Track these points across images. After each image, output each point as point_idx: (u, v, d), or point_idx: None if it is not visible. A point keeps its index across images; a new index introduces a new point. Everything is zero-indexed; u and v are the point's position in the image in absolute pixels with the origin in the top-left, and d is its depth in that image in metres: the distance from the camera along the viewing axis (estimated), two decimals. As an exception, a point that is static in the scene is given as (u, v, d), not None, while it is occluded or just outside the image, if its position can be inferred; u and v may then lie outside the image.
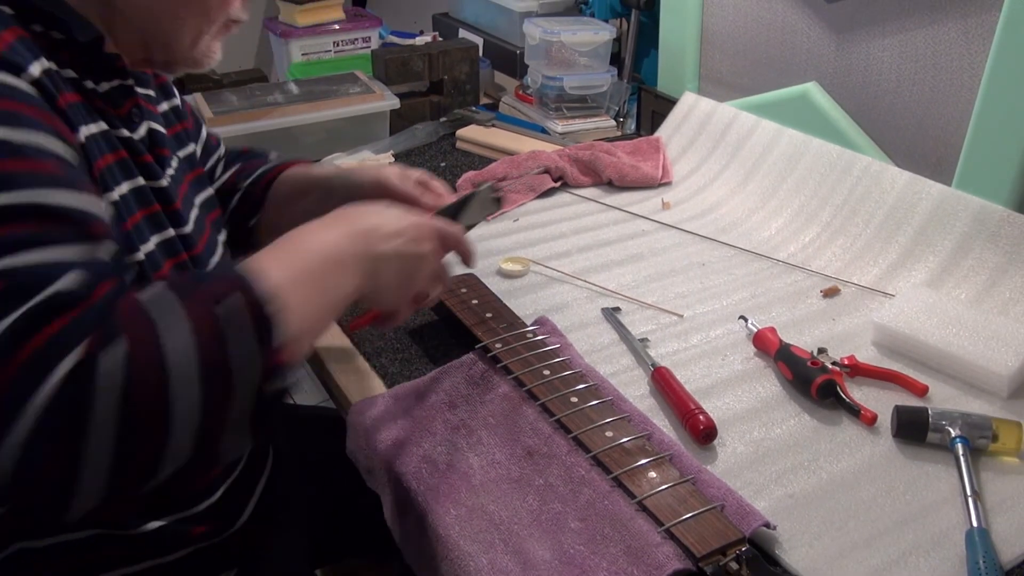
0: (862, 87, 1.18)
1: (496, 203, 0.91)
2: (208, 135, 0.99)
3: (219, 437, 0.53)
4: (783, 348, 0.90)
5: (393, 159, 1.31)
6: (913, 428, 0.79)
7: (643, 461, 0.73)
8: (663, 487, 0.71)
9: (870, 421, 0.82)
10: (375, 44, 1.81)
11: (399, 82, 1.60)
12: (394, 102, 1.51)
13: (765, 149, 1.29)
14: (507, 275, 1.09)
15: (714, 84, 1.43)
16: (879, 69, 1.15)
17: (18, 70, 0.59)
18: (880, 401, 0.86)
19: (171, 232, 0.76)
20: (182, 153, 0.84)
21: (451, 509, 0.72)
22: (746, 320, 0.97)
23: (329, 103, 1.47)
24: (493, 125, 1.57)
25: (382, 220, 0.72)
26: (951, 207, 1.04)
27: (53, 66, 0.64)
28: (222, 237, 0.88)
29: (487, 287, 1.01)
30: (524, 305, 1.02)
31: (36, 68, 0.61)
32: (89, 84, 0.70)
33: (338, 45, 1.81)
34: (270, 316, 0.56)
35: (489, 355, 0.87)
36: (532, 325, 0.92)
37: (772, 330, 0.93)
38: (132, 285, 0.57)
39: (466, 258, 0.83)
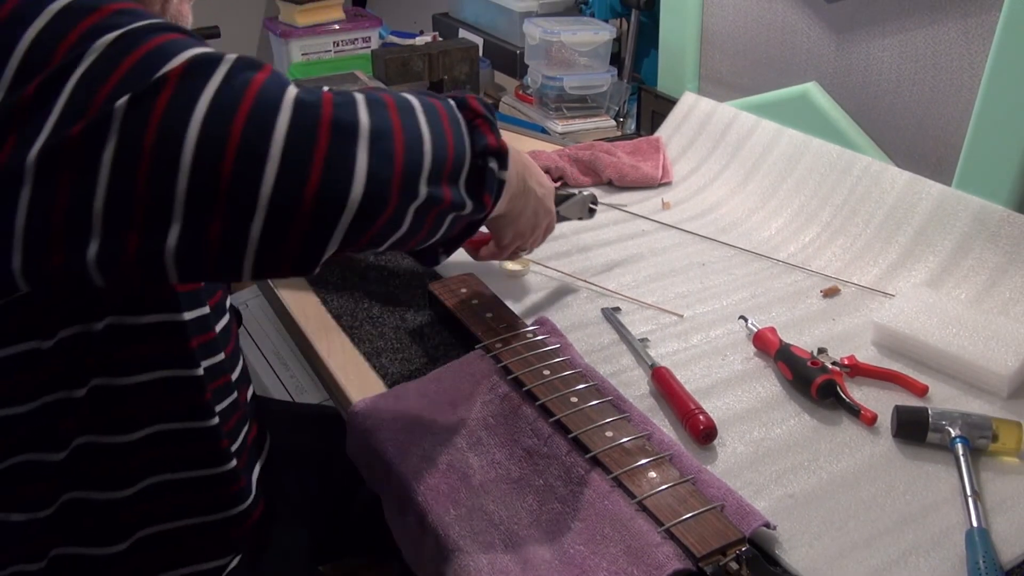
0: (862, 87, 1.18)
1: (590, 212, 1.07)
2: None
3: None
4: (783, 348, 0.90)
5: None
6: (913, 428, 0.79)
7: (643, 461, 0.73)
8: (663, 487, 0.71)
9: (870, 421, 0.82)
10: (375, 44, 1.82)
11: (399, 82, 1.60)
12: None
13: (765, 149, 1.29)
14: (507, 275, 1.09)
15: (714, 84, 1.43)
16: (879, 69, 1.15)
17: None
18: (880, 401, 0.86)
19: None
20: None
21: (451, 509, 0.72)
22: (746, 320, 0.97)
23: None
24: (493, 125, 1.57)
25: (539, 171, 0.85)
26: (951, 207, 1.04)
27: None
28: None
29: (487, 287, 1.01)
30: (524, 305, 1.02)
31: None
32: None
33: (338, 45, 1.81)
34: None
35: (489, 355, 0.87)
36: (532, 325, 0.93)
37: (772, 330, 0.93)
38: None
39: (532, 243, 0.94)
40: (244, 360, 0.89)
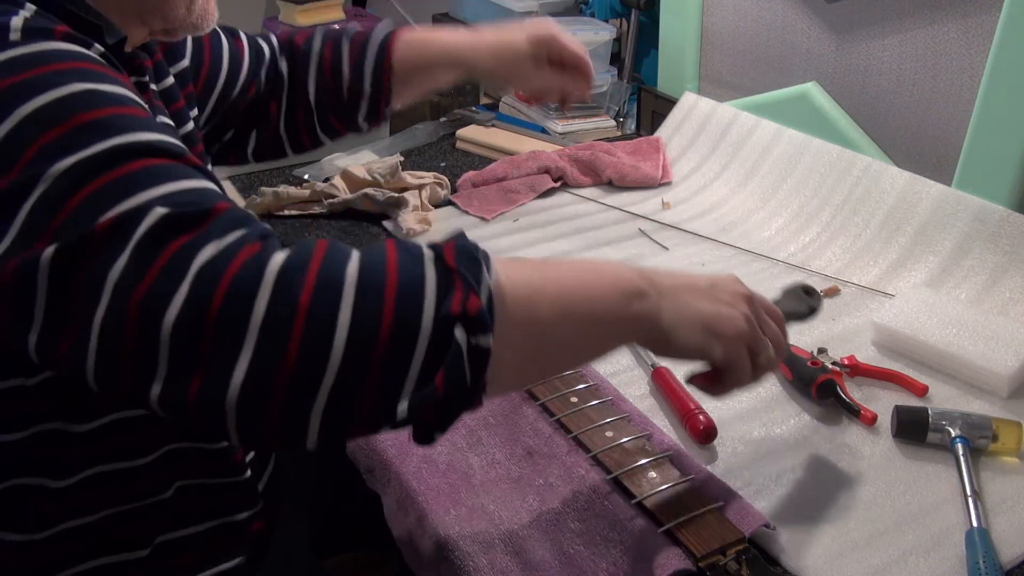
0: (862, 87, 1.18)
1: (809, 308, 0.80)
2: (225, 62, 0.97)
3: (377, 388, 0.50)
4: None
5: (402, 158, 1.31)
6: (913, 428, 0.79)
7: (643, 461, 0.73)
8: (663, 487, 0.71)
9: (870, 421, 0.82)
10: (375, 44, 1.82)
11: (399, 82, 1.60)
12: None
13: (765, 149, 1.29)
14: (507, 275, 1.08)
15: (714, 84, 1.43)
16: (879, 69, 1.15)
17: (86, 44, 0.61)
18: (880, 401, 0.86)
19: None
20: (184, 131, 0.84)
21: (451, 509, 0.72)
22: (746, 320, 0.97)
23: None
24: (493, 125, 1.57)
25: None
26: (951, 207, 1.04)
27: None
28: None
29: (487, 287, 1.00)
30: (524, 305, 1.02)
31: (98, 47, 0.62)
32: None
33: (338, 45, 1.81)
34: (480, 278, 0.53)
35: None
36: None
37: (772, 330, 0.93)
38: None
39: (779, 345, 0.69)
40: None
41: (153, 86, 0.77)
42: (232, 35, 1.00)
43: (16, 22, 0.58)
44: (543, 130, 1.57)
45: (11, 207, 0.52)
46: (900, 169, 1.12)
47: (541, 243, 1.18)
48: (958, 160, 1.05)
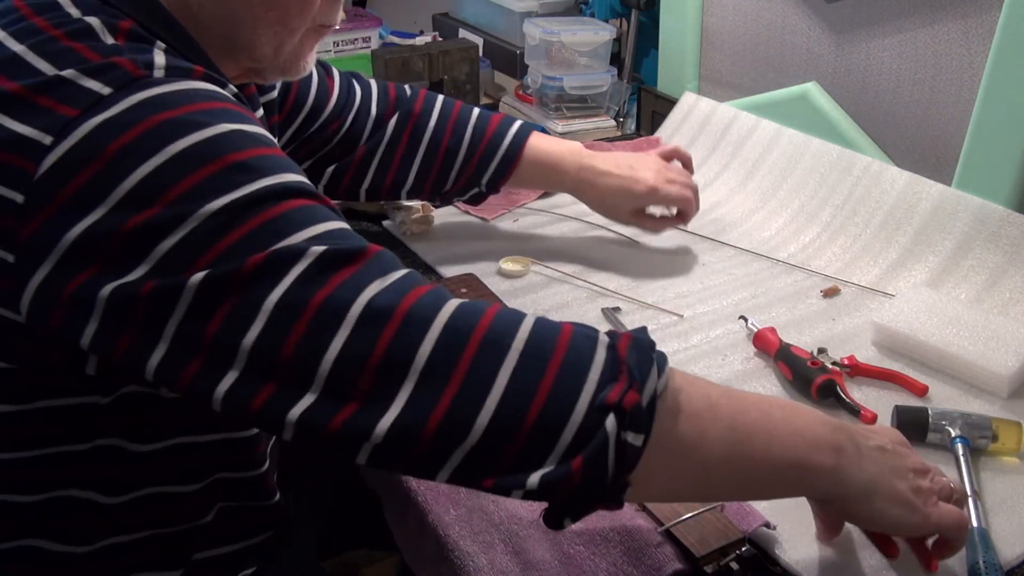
0: (862, 87, 1.18)
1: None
2: (312, 94, 0.99)
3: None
4: (783, 348, 0.90)
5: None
6: (913, 428, 0.79)
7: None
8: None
9: (870, 421, 0.82)
10: (375, 44, 1.81)
11: (399, 82, 1.60)
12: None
13: (765, 149, 1.29)
14: (507, 275, 1.09)
15: (714, 84, 1.43)
16: (879, 69, 1.15)
17: (222, 84, 0.62)
18: (880, 401, 0.86)
19: None
20: None
21: (451, 509, 0.72)
22: (746, 320, 0.97)
23: (329, 103, 1.46)
24: (493, 125, 1.56)
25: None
26: (951, 207, 1.04)
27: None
28: None
29: (487, 287, 1.01)
30: (524, 305, 1.02)
31: (232, 87, 0.63)
32: None
33: (338, 45, 1.81)
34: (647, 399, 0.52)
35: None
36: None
37: (772, 330, 0.93)
38: None
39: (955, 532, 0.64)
40: None
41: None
42: (325, 70, 1.02)
43: (160, 59, 0.59)
44: (543, 130, 1.56)
45: (148, 243, 0.52)
46: (900, 169, 1.12)
47: (541, 243, 1.18)
48: (958, 160, 1.05)
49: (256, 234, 0.52)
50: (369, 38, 1.91)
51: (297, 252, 0.52)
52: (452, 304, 0.52)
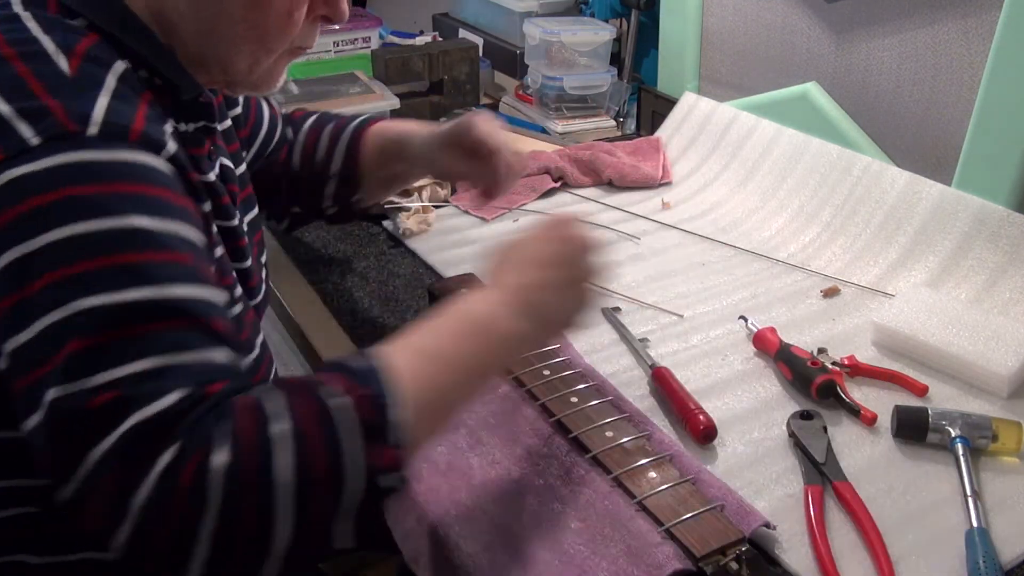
0: (862, 87, 1.18)
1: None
2: (266, 119, 1.00)
3: (318, 540, 0.54)
4: (783, 348, 0.90)
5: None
6: (913, 428, 0.79)
7: (643, 461, 0.73)
8: (663, 487, 0.71)
9: (870, 421, 0.82)
10: (375, 44, 1.81)
11: (399, 82, 1.60)
12: (394, 102, 1.51)
13: (765, 149, 1.29)
14: (507, 275, 1.08)
15: (714, 84, 1.43)
16: (879, 69, 1.15)
17: (159, 147, 0.61)
18: (880, 401, 0.86)
19: (239, 265, 0.79)
20: (238, 172, 0.85)
21: (451, 509, 0.72)
22: (746, 320, 0.97)
23: (329, 103, 1.47)
24: (493, 125, 1.57)
25: (527, 255, 0.70)
26: (951, 207, 1.04)
27: (172, 126, 0.66)
28: (264, 258, 0.90)
29: (487, 287, 1.01)
30: (524, 305, 1.02)
31: (171, 143, 0.63)
32: (181, 127, 0.72)
33: (338, 45, 1.81)
34: (388, 422, 0.56)
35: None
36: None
37: (772, 330, 0.93)
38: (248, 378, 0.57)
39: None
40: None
41: (218, 126, 0.79)
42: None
43: (99, 110, 0.58)
44: (543, 130, 1.57)
45: (22, 319, 0.53)
46: (900, 169, 1.12)
47: (541, 243, 1.18)
48: (958, 160, 1.05)
49: (113, 349, 0.53)
50: (369, 38, 1.91)
51: (129, 400, 0.52)
52: (217, 479, 0.51)
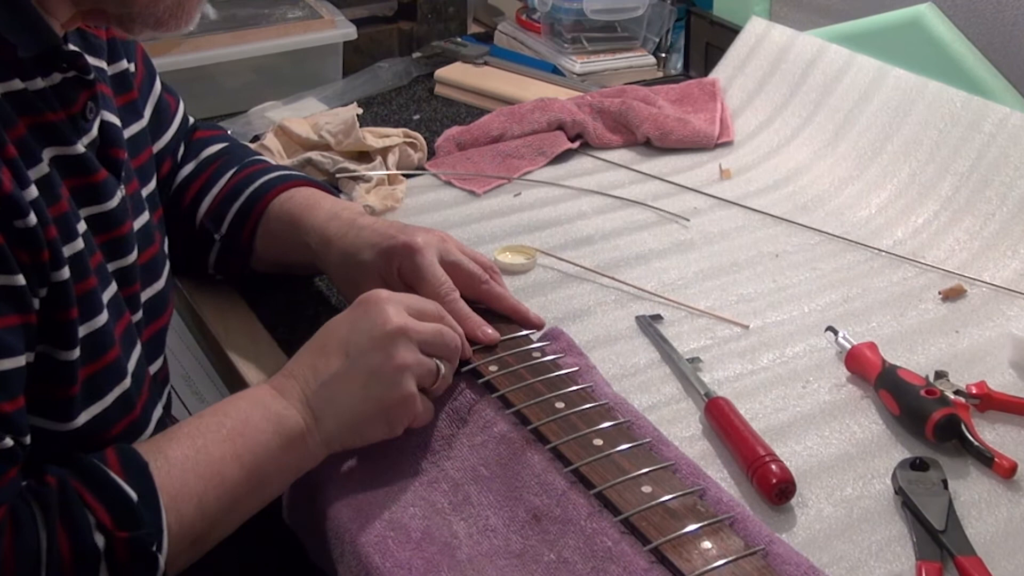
0: (996, 9, 1.18)
1: None
2: (163, 94, 1.02)
3: None
4: (887, 371, 0.90)
5: (360, 110, 1.31)
6: (1066, 482, 0.80)
7: (694, 527, 0.73)
8: (721, 562, 0.71)
9: (1008, 472, 0.82)
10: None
11: (356, 4, 1.61)
12: (349, 31, 1.51)
13: (862, 96, 1.29)
14: (506, 270, 1.09)
15: (792, 7, 1.43)
16: (1020, -15, 1.15)
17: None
18: (1021, 444, 0.86)
19: (120, 263, 0.81)
20: (128, 134, 0.86)
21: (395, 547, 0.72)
22: (836, 333, 0.97)
23: (259, 32, 1.47)
24: (486, 63, 1.57)
25: (331, 336, 0.82)
26: (1119, 176, 1.05)
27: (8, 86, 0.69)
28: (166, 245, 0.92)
29: (478, 287, 1.01)
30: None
31: None
32: (39, 83, 0.73)
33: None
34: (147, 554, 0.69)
35: (480, 381, 0.87)
36: (540, 340, 0.93)
37: (872, 346, 0.93)
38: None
39: (452, 351, 0.86)
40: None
41: (104, 65, 0.80)
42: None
43: None
44: (555, 70, 1.57)
45: None
46: (1049, 124, 1.12)
47: (552, 227, 1.18)
48: None
49: None
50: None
51: None
52: None
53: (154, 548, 0.70)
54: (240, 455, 0.76)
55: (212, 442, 0.76)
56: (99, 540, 0.67)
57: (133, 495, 0.69)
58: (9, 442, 0.66)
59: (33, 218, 0.69)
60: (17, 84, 0.71)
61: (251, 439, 0.77)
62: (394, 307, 0.81)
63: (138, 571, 0.69)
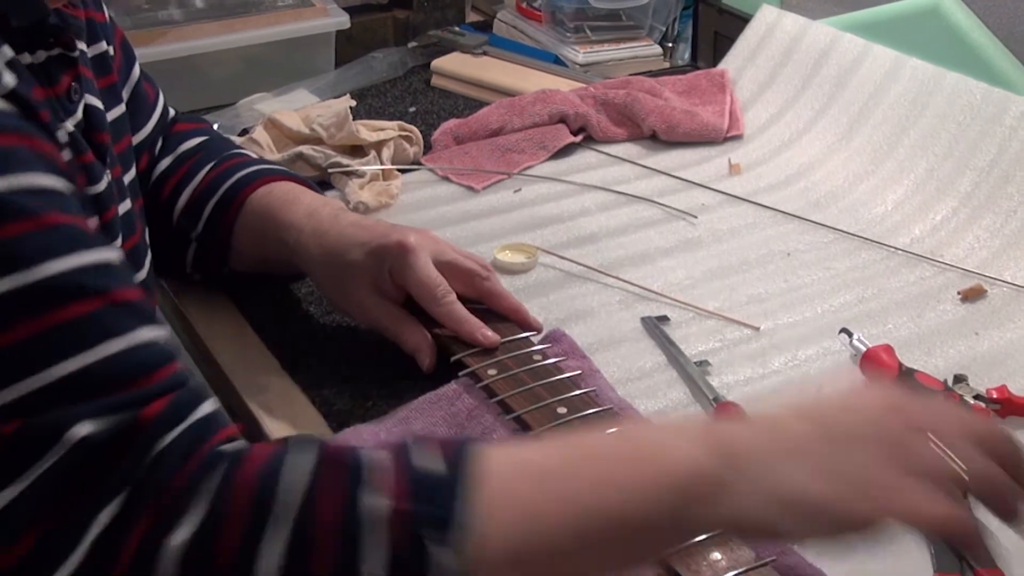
0: (1018, -2, 1.18)
1: None
2: (142, 80, 1.01)
3: None
4: (904, 375, 0.90)
5: (354, 103, 1.31)
6: (1093, 491, 0.79)
7: (701, 536, 0.73)
8: (731, 574, 0.70)
9: (1031, 481, 0.82)
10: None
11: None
12: (342, 20, 1.51)
13: (878, 87, 1.28)
14: (505, 269, 1.08)
15: (804, -6, 1.43)
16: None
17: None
18: (1045, 452, 0.85)
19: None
20: (110, 118, 0.86)
21: None
22: (850, 335, 0.97)
23: (248, 21, 1.47)
24: (484, 53, 1.56)
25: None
26: None
27: (12, 54, 0.68)
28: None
29: (476, 287, 1.00)
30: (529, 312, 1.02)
31: (7, 75, 0.64)
32: (26, 58, 0.72)
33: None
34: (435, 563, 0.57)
35: (479, 385, 0.87)
36: (541, 343, 0.92)
37: (888, 349, 0.93)
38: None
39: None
40: None
41: (83, 50, 0.79)
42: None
43: None
44: (557, 60, 1.57)
45: None
46: (1073, 116, 1.12)
47: (554, 224, 1.18)
48: None
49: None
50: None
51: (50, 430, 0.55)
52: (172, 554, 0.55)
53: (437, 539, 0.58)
54: (607, 475, 0.63)
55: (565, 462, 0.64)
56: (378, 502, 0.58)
57: (440, 465, 0.60)
58: (154, 333, 0.62)
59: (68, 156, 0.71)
60: (7, 52, 0.71)
61: (629, 462, 0.64)
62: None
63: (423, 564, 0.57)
